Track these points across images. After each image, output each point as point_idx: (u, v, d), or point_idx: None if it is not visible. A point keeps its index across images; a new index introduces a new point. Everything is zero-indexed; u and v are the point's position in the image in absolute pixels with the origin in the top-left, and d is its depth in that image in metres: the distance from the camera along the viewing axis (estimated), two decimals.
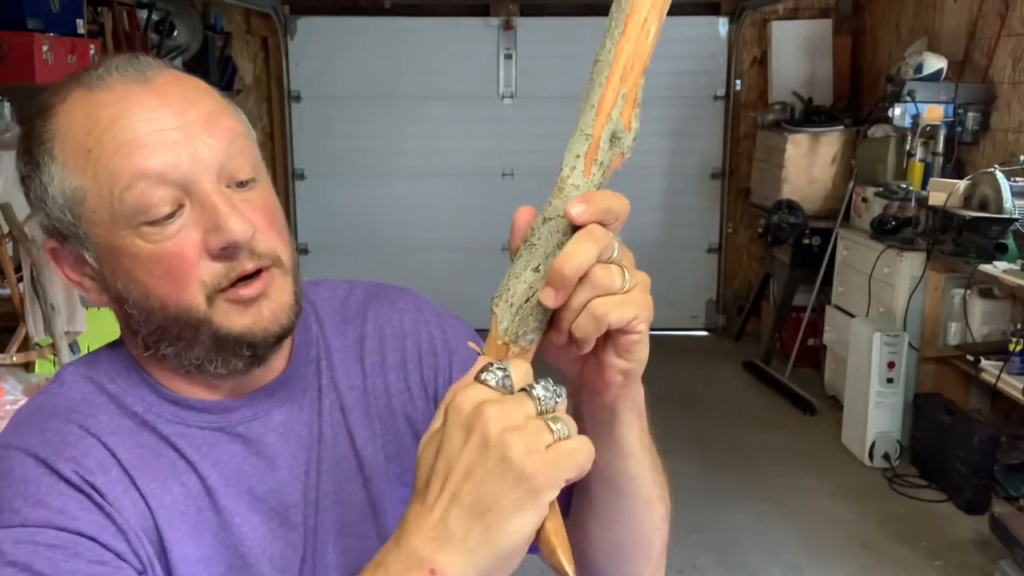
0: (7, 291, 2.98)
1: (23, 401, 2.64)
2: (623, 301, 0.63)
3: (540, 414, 0.60)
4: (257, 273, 0.76)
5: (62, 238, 0.77)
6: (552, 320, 0.64)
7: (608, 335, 0.64)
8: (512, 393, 0.61)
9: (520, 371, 0.62)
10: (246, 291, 0.76)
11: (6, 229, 2.94)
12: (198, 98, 0.77)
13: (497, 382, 0.61)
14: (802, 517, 3.55)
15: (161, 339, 0.77)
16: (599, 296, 0.62)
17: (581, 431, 0.66)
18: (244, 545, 0.79)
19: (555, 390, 0.61)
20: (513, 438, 0.58)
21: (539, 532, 0.60)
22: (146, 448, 0.78)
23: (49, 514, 0.71)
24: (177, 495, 0.77)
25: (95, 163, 0.73)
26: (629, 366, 0.67)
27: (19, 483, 0.72)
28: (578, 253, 0.61)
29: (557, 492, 0.59)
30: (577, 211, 0.61)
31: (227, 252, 0.74)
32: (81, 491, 0.73)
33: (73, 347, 3.10)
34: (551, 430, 0.59)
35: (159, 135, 0.73)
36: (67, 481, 0.73)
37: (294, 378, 0.85)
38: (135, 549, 0.74)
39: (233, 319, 0.76)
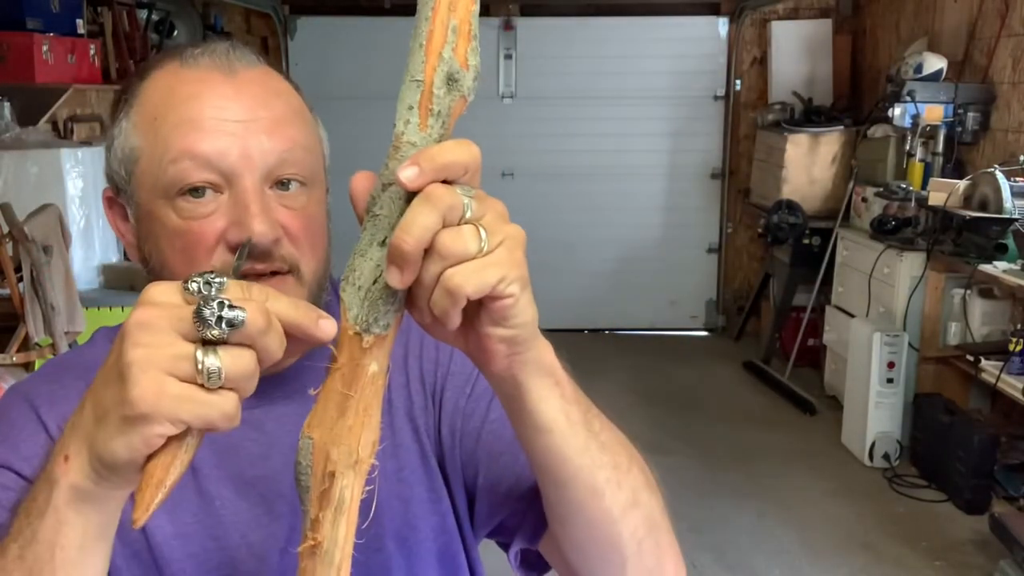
0: (7, 291, 2.98)
1: None
2: (481, 266, 0.55)
3: (202, 341, 0.53)
4: (271, 276, 0.77)
5: (116, 189, 0.82)
6: (409, 298, 0.57)
7: (480, 302, 0.57)
8: (195, 313, 0.53)
9: (233, 291, 0.55)
10: None
11: (6, 229, 2.94)
12: (274, 102, 0.79)
13: (195, 289, 0.54)
14: (802, 517, 3.55)
15: None
16: (451, 266, 0.55)
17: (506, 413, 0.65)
18: (221, 527, 0.80)
19: (232, 315, 0.52)
20: (134, 350, 0.53)
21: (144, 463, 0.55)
22: None
23: (16, 458, 0.77)
24: None
25: (156, 131, 0.77)
26: (510, 332, 0.60)
27: (7, 422, 0.80)
28: (416, 222, 0.53)
29: (171, 430, 0.53)
30: (408, 175, 0.54)
31: (240, 246, 0.76)
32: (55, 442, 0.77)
33: (73, 347, 3.10)
34: (197, 363, 0.53)
35: (219, 124, 0.76)
36: (47, 432, 0.79)
37: (303, 370, 0.85)
38: None
39: None
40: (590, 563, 0.77)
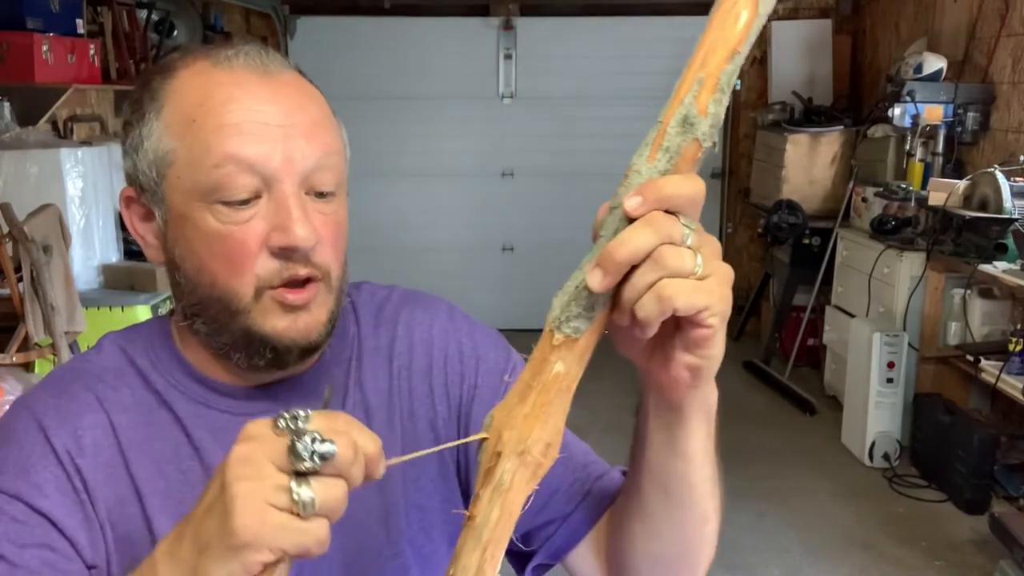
0: (7, 291, 2.98)
1: None
2: (695, 287, 0.58)
3: (296, 473, 0.56)
4: (306, 282, 0.78)
5: (140, 190, 0.80)
6: (615, 299, 0.59)
7: (678, 326, 0.61)
8: (290, 447, 0.56)
9: (319, 423, 0.58)
10: (293, 296, 0.78)
11: (6, 229, 2.94)
12: (309, 105, 0.79)
13: (284, 426, 0.57)
14: (802, 517, 3.55)
15: (199, 314, 0.80)
16: (667, 277, 0.57)
17: (643, 429, 0.69)
18: None
19: (323, 449, 0.56)
20: (237, 484, 0.56)
21: None
22: (156, 427, 0.81)
23: (26, 487, 0.75)
24: (173, 481, 0.79)
25: (194, 134, 0.76)
26: (698, 362, 0.63)
27: (17, 445, 0.78)
28: (632, 239, 0.57)
29: (270, 557, 0.56)
30: (631, 203, 0.58)
31: (285, 252, 0.76)
32: (64, 469, 0.77)
33: (73, 347, 3.10)
34: (292, 494, 0.56)
35: (261, 127, 0.75)
36: (56, 455, 0.77)
37: (321, 375, 0.86)
38: (94, 541, 0.77)
39: (269, 319, 0.77)
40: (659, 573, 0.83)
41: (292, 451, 0.56)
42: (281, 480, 0.56)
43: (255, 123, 0.75)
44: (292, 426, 0.57)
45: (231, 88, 0.76)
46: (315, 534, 0.57)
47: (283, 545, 0.56)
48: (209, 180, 0.75)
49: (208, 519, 0.58)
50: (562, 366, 0.60)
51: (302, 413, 0.57)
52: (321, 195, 0.78)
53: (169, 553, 0.61)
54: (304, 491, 0.56)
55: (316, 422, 0.57)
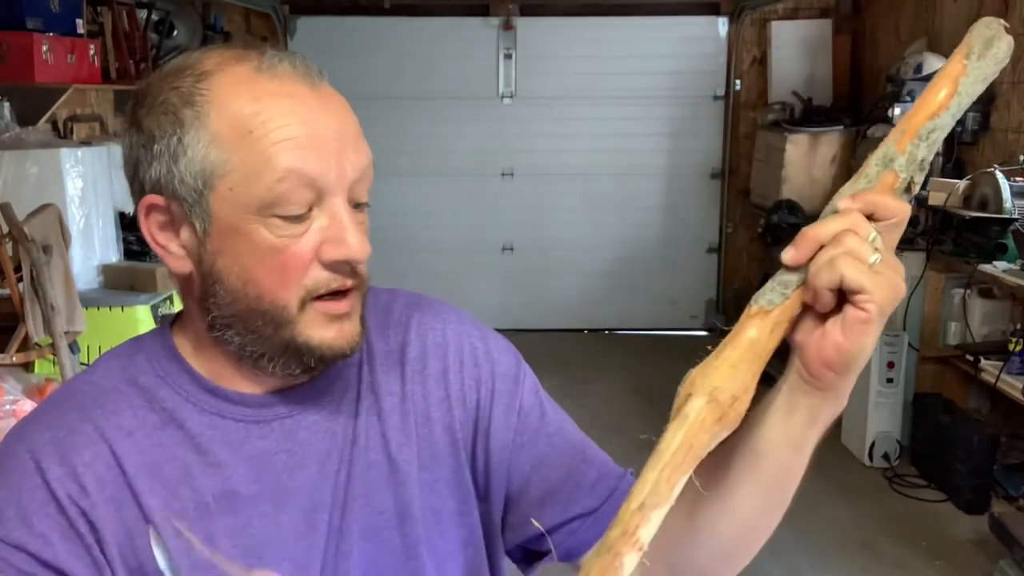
0: (7, 291, 2.98)
1: (23, 401, 2.64)
2: (864, 269, 0.65)
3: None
4: (347, 292, 0.78)
5: (172, 198, 0.76)
6: (807, 278, 0.69)
7: (841, 307, 0.67)
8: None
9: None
10: (338, 306, 0.78)
11: (6, 229, 2.94)
12: (351, 117, 0.80)
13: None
14: (802, 517, 3.55)
15: (233, 326, 0.78)
16: (844, 255, 0.66)
17: (767, 409, 0.74)
18: (262, 545, 0.79)
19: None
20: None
21: None
22: (165, 448, 0.79)
23: (30, 537, 0.74)
24: (186, 501, 0.78)
25: (252, 146, 0.74)
26: (847, 346, 0.68)
27: (15, 490, 0.76)
28: (825, 223, 0.67)
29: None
30: (843, 203, 0.68)
31: (338, 265, 0.76)
32: (66, 515, 0.75)
33: (73, 347, 3.10)
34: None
35: (321, 141, 0.75)
36: (57, 501, 0.76)
37: (334, 379, 0.85)
38: None
39: (315, 329, 0.77)
40: (718, 565, 0.84)
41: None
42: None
43: (314, 137, 0.74)
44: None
45: (286, 100, 0.75)
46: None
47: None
48: (270, 195, 0.73)
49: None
50: (755, 332, 0.70)
51: None
52: (358, 207, 0.79)
53: None
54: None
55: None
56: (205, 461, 0.79)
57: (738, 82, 5.91)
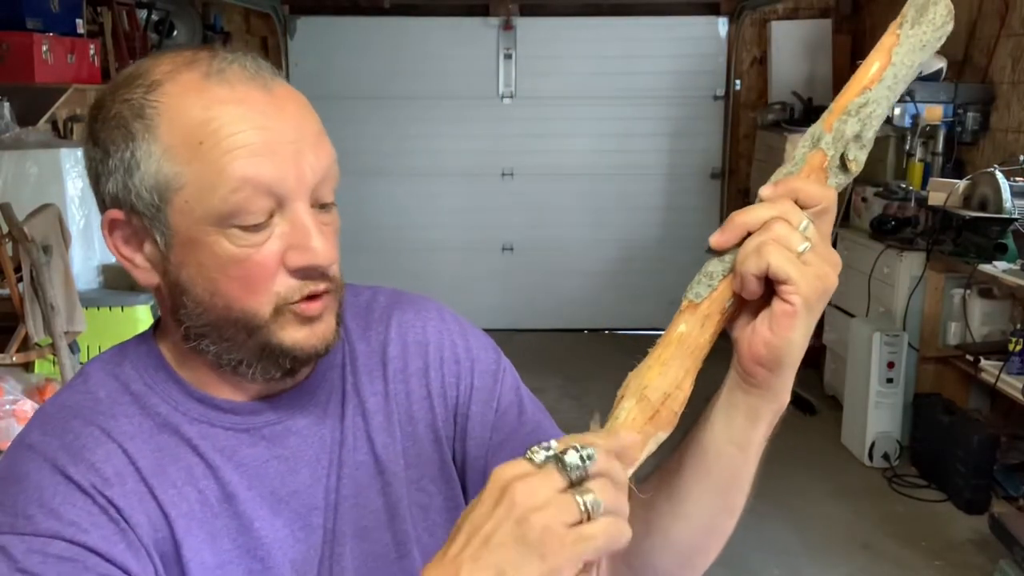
0: (7, 291, 2.98)
1: (23, 401, 2.64)
2: (790, 258, 0.64)
3: (572, 484, 0.60)
4: (319, 295, 0.77)
5: (132, 213, 0.76)
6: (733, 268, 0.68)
7: (770, 301, 0.66)
8: (558, 467, 0.61)
9: (564, 443, 0.62)
10: (310, 309, 0.77)
11: (6, 229, 2.94)
12: (310, 116, 0.77)
13: (540, 460, 0.61)
14: (802, 517, 3.55)
15: (207, 335, 0.77)
16: (772, 243, 0.65)
17: (710, 408, 0.72)
18: (263, 548, 0.79)
19: (583, 454, 0.60)
20: (535, 517, 0.59)
21: None
22: (165, 451, 0.78)
23: (61, 526, 0.71)
24: (193, 501, 0.78)
25: (204, 157, 0.72)
26: (775, 341, 0.67)
27: (35, 489, 0.73)
28: (752, 210, 0.66)
29: (574, 570, 0.59)
30: (765, 191, 0.68)
31: (305, 272, 0.75)
32: (95, 503, 0.73)
33: (73, 347, 3.10)
34: (578, 505, 0.59)
35: (274, 146, 0.73)
36: (82, 491, 0.73)
37: (319, 383, 0.85)
38: (144, 566, 0.74)
39: (289, 332, 0.77)
40: (680, 568, 0.83)
41: (561, 467, 0.59)
42: (566, 498, 0.59)
43: (268, 142, 0.72)
44: (545, 455, 0.61)
45: (236, 106, 0.72)
46: (605, 532, 0.59)
47: (587, 555, 0.59)
48: (226, 206, 0.72)
49: (499, 551, 0.59)
50: (684, 327, 0.69)
51: (545, 443, 0.61)
52: (324, 208, 0.77)
53: None
54: (587, 496, 0.59)
55: (566, 442, 0.61)
56: (204, 464, 0.79)
57: (738, 82, 5.91)
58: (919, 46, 0.69)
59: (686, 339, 0.69)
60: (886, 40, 0.70)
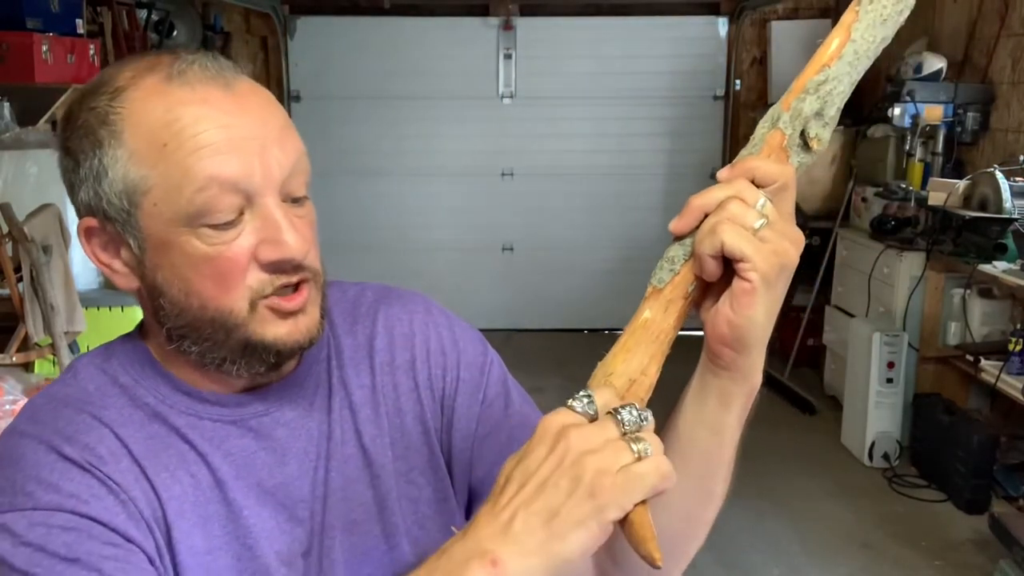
0: (7, 291, 2.98)
1: (23, 401, 2.64)
2: (745, 236, 0.65)
3: (624, 435, 0.62)
4: (298, 286, 0.78)
5: (105, 219, 0.77)
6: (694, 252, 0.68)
7: (730, 282, 0.67)
8: (596, 417, 0.64)
9: (604, 397, 0.65)
10: (289, 303, 0.77)
11: (6, 229, 2.94)
12: (274, 111, 0.78)
13: (582, 408, 0.64)
14: (802, 517, 3.56)
15: (188, 335, 0.78)
16: (728, 222, 0.65)
17: (683, 393, 0.73)
18: (251, 537, 0.80)
19: (641, 414, 0.63)
20: (589, 459, 0.61)
21: (626, 524, 0.63)
22: (156, 439, 0.79)
23: (61, 498, 0.72)
24: (186, 486, 0.78)
25: (168, 159, 0.73)
26: (737, 320, 0.67)
27: (31, 468, 0.73)
28: (710, 192, 0.67)
29: (623, 513, 0.61)
30: (722, 173, 0.68)
31: (277, 265, 0.76)
32: (94, 476, 0.74)
33: (73, 347, 3.11)
34: (631, 450, 0.62)
35: (238, 143, 0.73)
36: (79, 466, 0.74)
37: (305, 376, 0.86)
38: (145, 537, 0.74)
39: (268, 327, 0.77)
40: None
41: (620, 420, 0.63)
42: (621, 443, 0.62)
43: (230, 139, 0.73)
44: (587, 402, 0.64)
45: (198, 106, 0.73)
46: (655, 471, 0.62)
47: (637, 495, 0.61)
48: (193, 206, 0.73)
49: (552, 495, 0.61)
50: (649, 313, 0.70)
51: (584, 392, 0.65)
52: (296, 201, 0.78)
53: (489, 536, 0.63)
54: (641, 445, 0.62)
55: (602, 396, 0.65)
56: (194, 451, 0.80)
57: (738, 82, 5.91)
58: (879, 20, 0.69)
59: (650, 325, 0.69)
60: (846, 17, 0.70)
